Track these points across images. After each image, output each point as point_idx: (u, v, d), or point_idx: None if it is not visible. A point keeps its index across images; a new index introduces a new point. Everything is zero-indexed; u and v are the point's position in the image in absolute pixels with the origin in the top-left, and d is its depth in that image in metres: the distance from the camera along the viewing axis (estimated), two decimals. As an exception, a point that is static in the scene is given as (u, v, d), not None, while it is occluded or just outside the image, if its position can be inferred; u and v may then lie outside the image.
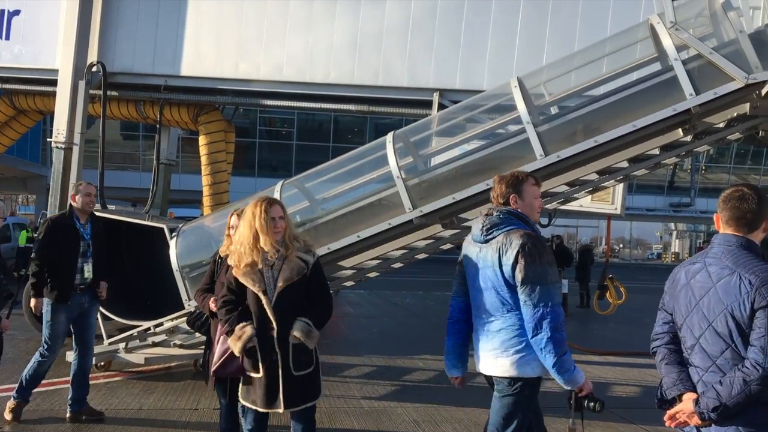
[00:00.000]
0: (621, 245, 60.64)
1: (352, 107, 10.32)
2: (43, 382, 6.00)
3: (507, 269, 3.40)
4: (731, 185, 2.90)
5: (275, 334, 3.70)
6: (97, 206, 6.94)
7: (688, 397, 2.78)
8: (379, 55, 9.60)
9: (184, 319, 6.77)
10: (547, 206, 7.45)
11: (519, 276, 3.35)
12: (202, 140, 11.58)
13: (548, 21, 8.81)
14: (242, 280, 3.74)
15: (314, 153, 37.84)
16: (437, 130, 7.66)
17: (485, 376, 3.64)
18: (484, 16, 9.12)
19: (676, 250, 62.59)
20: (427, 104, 9.40)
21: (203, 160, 11.61)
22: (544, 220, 10.04)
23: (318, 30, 9.78)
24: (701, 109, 5.74)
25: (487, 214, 3.59)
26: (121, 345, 7.69)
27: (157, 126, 11.62)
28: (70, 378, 5.90)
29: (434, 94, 9.25)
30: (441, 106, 9.10)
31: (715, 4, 6.13)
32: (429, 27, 9.37)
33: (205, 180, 11.57)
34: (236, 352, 3.74)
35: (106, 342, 7.76)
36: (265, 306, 3.70)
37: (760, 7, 6.30)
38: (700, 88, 5.67)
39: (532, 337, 3.34)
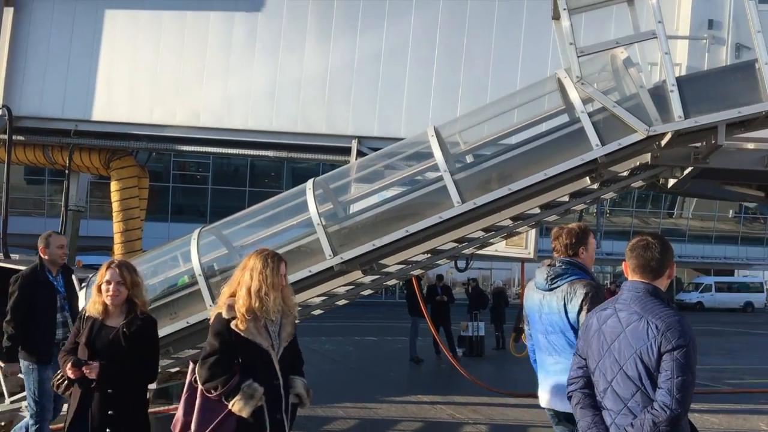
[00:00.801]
0: (534, 287, 62.78)
1: (270, 153, 10.29)
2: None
3: (573, 315, 3.75)
4: (637, 235, 3.07)
5: (282, 392, 3.57)
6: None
7: (602, 440, 2.89)
8: (297, 103, 9.66)
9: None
10: (464, 252, 7.61)
11: (582, 320, 3.68)
12: (114, 186, 11.22)
13: (461, 73, 9.14)
14: (248, 334, 3.52)
15: (230, 197, 37.31)
16: (357, 177, 7.74)
17: (554, 411, 3.91)
18: (400, 67, 9.37)
19: (585, 291, 65.05)
20: (346, 151, 9.50)
21: (115, 206, 11.24)
22: (461, 265, 10.24)
23: (236, 77, 9.76)
24: (607, 159, 6.06)
25: (549, 265, 3.95)
26: (24, 403, 7.22)
27: (66, 171, 11.19)
28: None
29: (353, 141, 9.37)
30: (360, 153, 9.22)
31: (617, 61, 6.54)
32: (347, 76, 9.54)
33: (117, 227, 11.17)
34: (245, 414, 3.46)
35: (7, 401, 7.28)
36: (274, 362, 3.55)
37: (657, 63, 6.75)
38: (605, 139, 6.00)
39: None
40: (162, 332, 6.79)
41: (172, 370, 7.64)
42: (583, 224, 4.18)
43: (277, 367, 3.56)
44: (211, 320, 3.68)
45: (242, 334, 3.51)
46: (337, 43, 9.62)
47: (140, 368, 4.02)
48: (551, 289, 3.89)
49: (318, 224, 6.46)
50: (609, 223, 46.66)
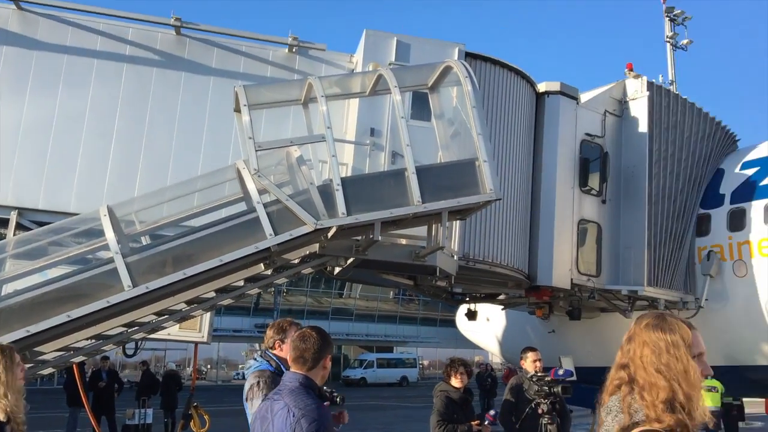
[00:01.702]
0: (209, 366, 61.12)
1: None
2: None
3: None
4: (300, 328, 3.35)
5: None
6: None
7: None
8: (-56, 165, 8.43)
9: None
10: (134, 336, 7.29)
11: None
12: None
13: (142, 151, 8.86)
14: None
15: None
16: (14, 253, 7.00)
17: None
18: (74, 137, 8.77)
19: (261, 370, 65.32)
20: (4, 223, 8.51)
21: None
22: (130, 350, 9.72)
23: None
24: (279, 248, 6.46)
25: (253, 357, 4.39)
26: None
27: None
28: None
29: (12, 212, 8.43)
30: (20, 227, 8.35)
31: (291, 157, 7.07)
32: (10, 140, 8.59)
33: None
34: None
35: None
36: None
37: (327, 161, 7.43)
38: (278, 229, 6.40)
39: None
40: None
41: None
42: (289, 320, 4.59)
43: None
44: None
45: None
46: (2, 102, 8.71)
47: None
48: (245, 378, 4.32)
49: (-42, 308, 5.68)
50: (286, 302, 48.40)
